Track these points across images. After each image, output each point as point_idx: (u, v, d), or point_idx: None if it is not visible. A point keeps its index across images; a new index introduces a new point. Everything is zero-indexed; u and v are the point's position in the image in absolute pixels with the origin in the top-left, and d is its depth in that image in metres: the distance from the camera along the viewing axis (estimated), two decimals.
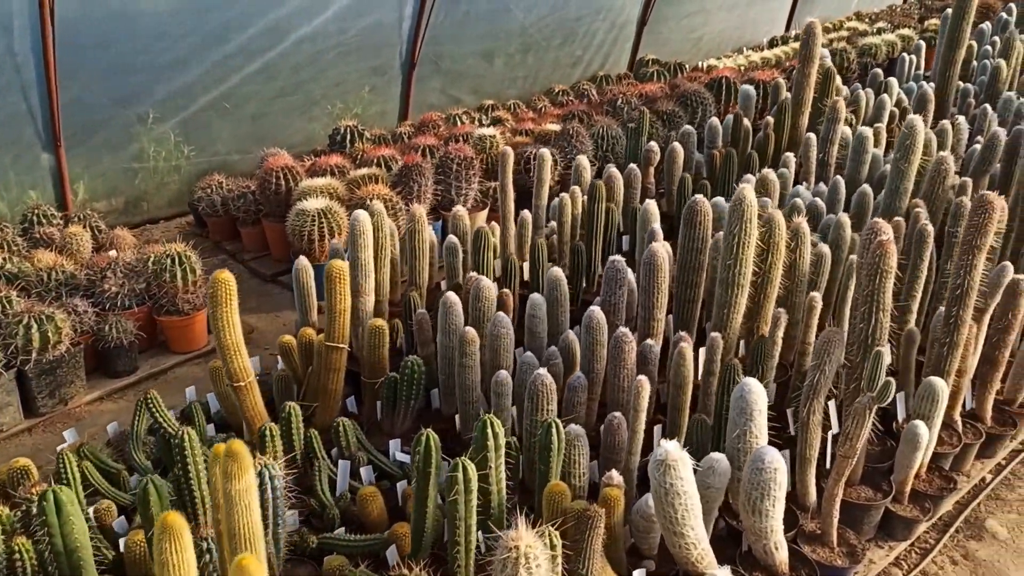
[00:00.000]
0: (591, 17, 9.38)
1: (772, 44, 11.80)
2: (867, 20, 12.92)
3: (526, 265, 4.97)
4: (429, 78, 8.37)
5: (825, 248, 4.28)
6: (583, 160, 5.82)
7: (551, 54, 9.29)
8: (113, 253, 5.49)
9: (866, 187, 4.91)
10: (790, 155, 6.01)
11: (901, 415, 3.97)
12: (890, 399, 3.05)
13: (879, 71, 7.35)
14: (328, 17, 7.05)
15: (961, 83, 7.81)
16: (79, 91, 6.00)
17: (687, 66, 10.51)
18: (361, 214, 4.14)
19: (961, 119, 6.51)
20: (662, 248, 3.91)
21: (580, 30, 9.39)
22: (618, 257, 3.90)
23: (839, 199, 5.17)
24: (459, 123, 7.78)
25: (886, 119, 6.62)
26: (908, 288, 4.33)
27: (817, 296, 3.92)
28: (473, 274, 4.26)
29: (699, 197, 3.97)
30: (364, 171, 6.12)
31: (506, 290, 4.38)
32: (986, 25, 9.91)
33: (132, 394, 4.75)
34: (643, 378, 3.23)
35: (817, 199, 5.08)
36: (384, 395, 3.83)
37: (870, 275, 3.30)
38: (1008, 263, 3.99)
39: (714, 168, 6.04)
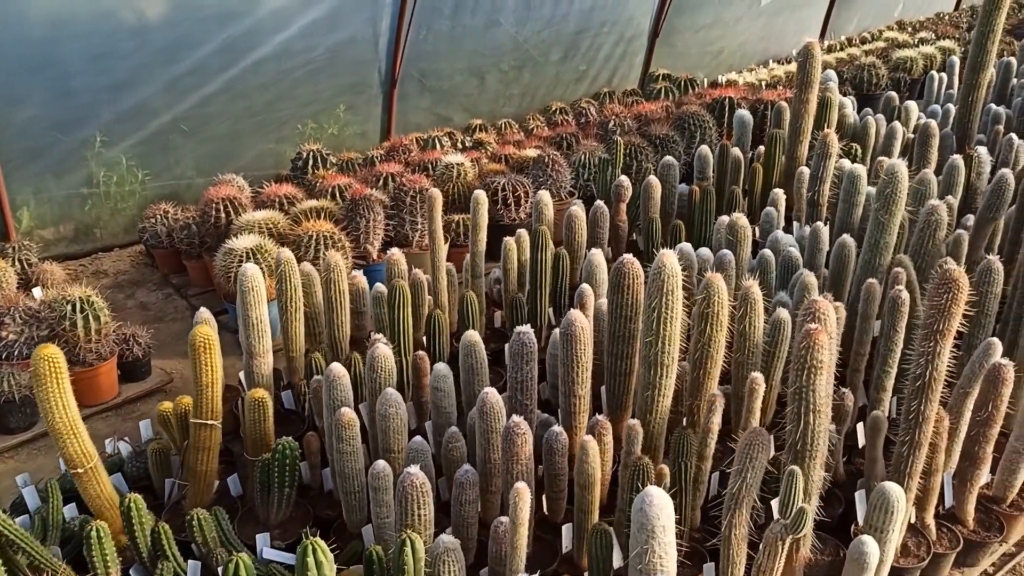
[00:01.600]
0: (594, 30, 8.90)
1: None
2: (909, 30, 12.17)
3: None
4: (414, 96, 7.99)
5: (784, 314, 3.76)
6: (543, 196, 5.35)
7: (550, 69, 8.84)
8: (38, 292, 5.21)
9: (846, 238, 4.36)
10: (780, 192, 5.47)
11: (861, 517, 3.44)
12: (805, 531, 2.54)
13: (893, 94, 6.73)
14: (292, 34, 6.71)
15: (995, 106, 7.15)
16: (16, 116, 5.77)
17: (704, 81, 9.97)
18: (249, 268, 3.76)
19: (982, 151, 5.88)
20: (580, 315, 3.44)
21: (582, 44, 8.92)
22: (525, 329, 3.44)
23: (820, 249, 4.62)
24: (438, 146, 7.38)
25: (897, 150, 6.02)
26: (881, 363, 3.80)
27: (759, 377, 3.40)
28: (378, 336, 3.84)
29: (627, 257, 3.49)
30: (312, 203, 5.76)
31: (421, 353, 3.95)
32: None
33: (27, 452, 4.45)
34: (521, 486, 2.77)
35: (792, 249, 4.55)
36: (258, 480, 3.43)
37: (798, 369, 2.79)
38: (995, 340, 3.43)
39: (693, 206, 5.53)
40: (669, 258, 3.18)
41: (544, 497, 3.47)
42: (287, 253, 4.11)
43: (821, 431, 2.85)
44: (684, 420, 3.53)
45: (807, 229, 4.90)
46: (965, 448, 3.46)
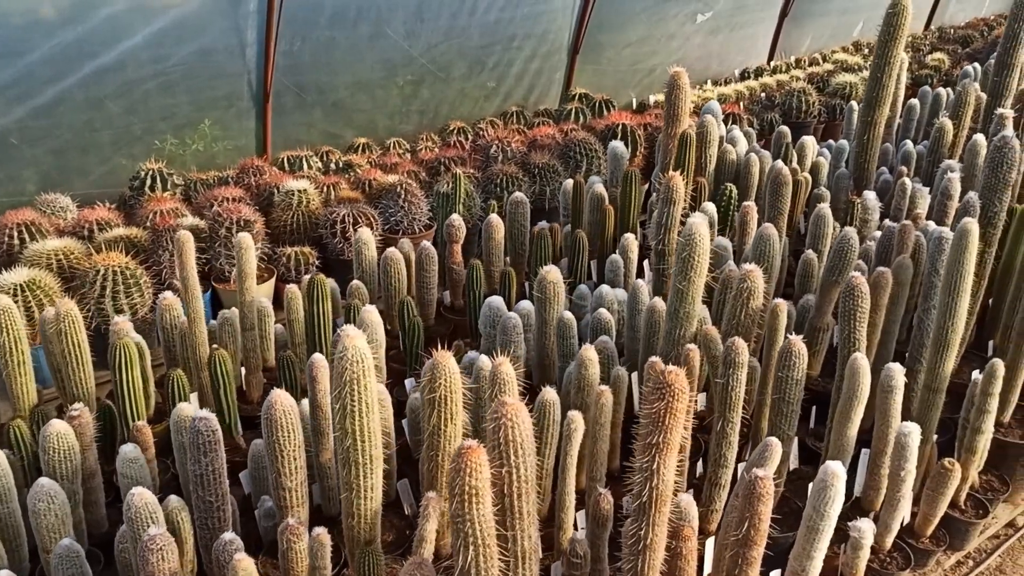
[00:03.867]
0: (501, 45, 8.44)
1: (744, 76, 10.71)
2: (865, 51, 11.69)
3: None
4: (294, 111, 7.54)
5: (551, 395, 3.29)
6: (364, 234, 4.90)
7: (454, 86, 8.38)
8: None
9: (656, 302, 3.88)
10: (631, 237, 4.99)
11: None
12: None
13: (785, 129, 6.23)
14: (137, 44, 6.26)
15: (911, 143, 6.68)
16: None
17: (633, 102, 9.54)
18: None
19: (869, 197, 5.41)
20: (284, 397, 2.96)
21: (488, 59, 8.46)
22: (204, 414, 2.96)
23: (639, 311, 4.14)
24: (305, 166, 6.92)
25: (788, 194, 5.50)
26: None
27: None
28: (77, 406, 3.37)
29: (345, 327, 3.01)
30: (121, 231, 5.30)
31: (140, 424, 3.48)
32: (974, 67, 8.71)
33: None
34: None
35: (602, 312, 4.07)
36: None
37: (454, 494, 2.32)
38: (772, 440, 2.97)
39: (529, 251, 5.06)
40: (352, 339, 2.70)
41: None
42: (3, 299, 3.65)
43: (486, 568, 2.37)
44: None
45: (639, 283, 4.42)
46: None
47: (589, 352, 3.48)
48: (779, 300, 3.73)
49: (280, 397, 2.96)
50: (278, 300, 5.47)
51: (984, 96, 6.53)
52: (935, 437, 3.86)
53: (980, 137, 5.85)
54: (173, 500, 3.02)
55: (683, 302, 3.62)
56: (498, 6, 8.06)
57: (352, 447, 2.81)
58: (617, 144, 5.81)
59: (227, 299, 5.27)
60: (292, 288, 4.23)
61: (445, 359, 2.91)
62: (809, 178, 6.02)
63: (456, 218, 4.97)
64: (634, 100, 9.76)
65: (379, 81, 7.88)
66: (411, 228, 5.89)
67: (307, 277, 4.11)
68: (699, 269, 3.56)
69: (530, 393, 3.92)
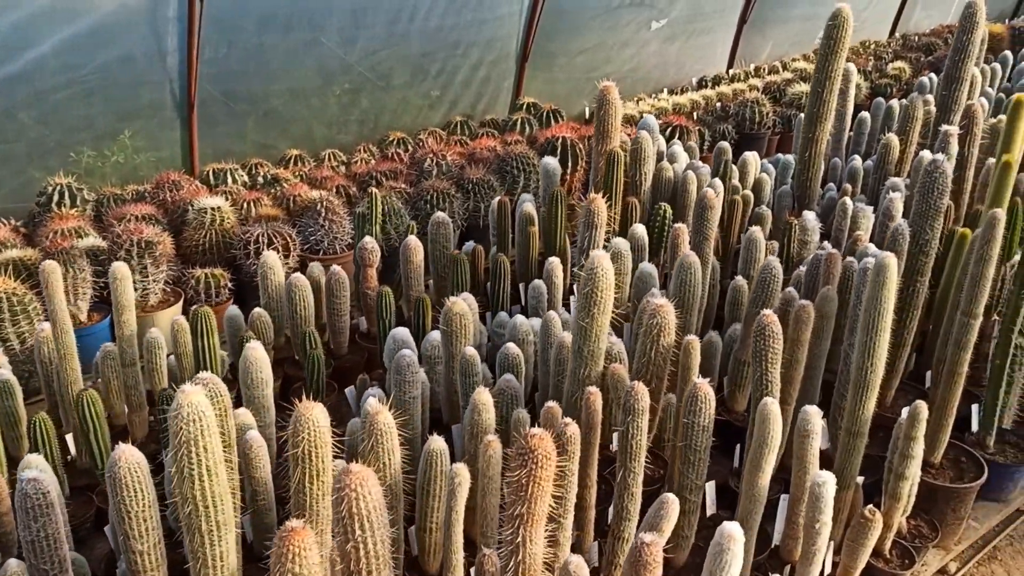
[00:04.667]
0: (444, 53, 8.19)
1: (702, 85, 10.52)
2: None
3: None
4: (224, 121, 7.25)
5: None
6: (269, 258, 4.63)
7: (395, 94, 8.12)
8: None
9: (565, 338, 3.64)
10: (555, 261, 4.75)
11: None
12: None
13: (725, 145, 6.01)
14: (44, 52, 5.96)
15: (859, 159, 6.50)
16: None
17: (587, 111, 9.32)
18: None
19: (808, 217, 5.21)
20: (129, 451, 2.69)
21: (431, 67, 8.20)
22: (35, 475, 2.68)
23: (551, 344, 3.89)
24: (230, 180, 6.64)
25: (715, 218, 5.28)
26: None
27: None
28: None
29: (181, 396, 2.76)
30: (14, 253, 5.00)
31: None
32: (930, 77, 8.55)
33: None
34: None
35: (510, 346, 3.83)
36: None
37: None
38: (670, 496, 2.73)
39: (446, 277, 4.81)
40: (188, 396, 2.43)
41: None
42: None
43: None
44: None
45: (551, 315, 4.18)
46: None
47: (482, 396, 3.23)
48: (691, 337, 3.50)
49: (124, 453, 2.67)
50: None
51: (934, 110, 6.37)
52: (860, 480, 3.66)
53: (926, 154, 5.67)
54: (12, 565, 2.75)
55: (586, 340, 3.39)
56: (439, 12, 7.81)
57: (194, 514, 2.54)
58: (549, 160, 5.56)
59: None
60: (180, 320, 3.95)
61: (309, 411, 2.66)
62: (751, 196, 5.82)
63: (369, 241, 4.72)
64: (587, 109, 9.54)
65: (315, 90, 7.60)
66: (332, 248, 5.63)
67: (193, 308, 3.84)
68: (602, 305, 3.33)
69: (444, 432, 3.70)
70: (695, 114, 8.88)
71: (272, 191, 6.40)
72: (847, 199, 5.38)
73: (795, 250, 5.16)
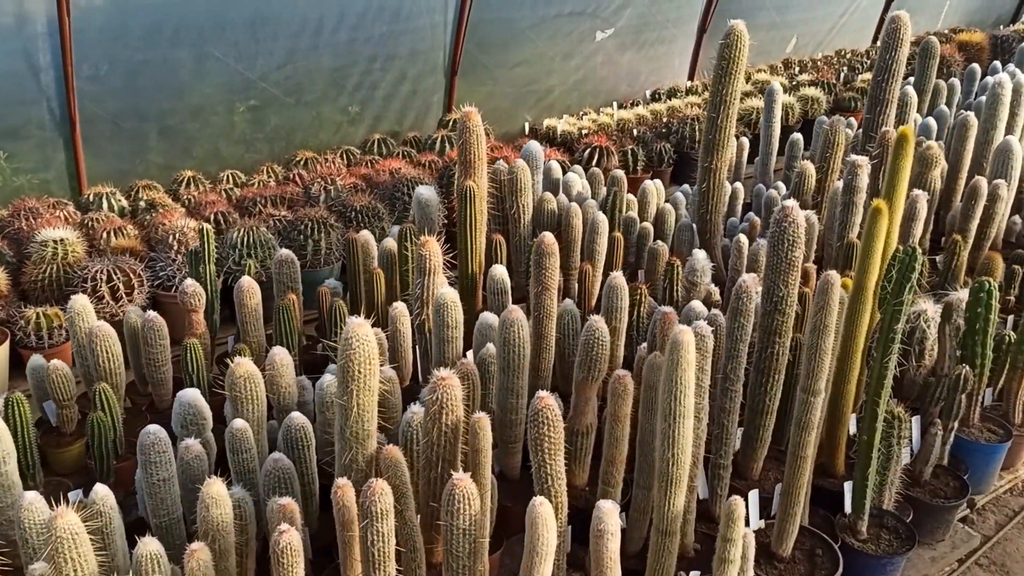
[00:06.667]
0: (361, 66, 7.78)
1: (655, 98, 10.06)
2: (796, 69, 11.05)
3: None
4: (116, 140, 6.88)
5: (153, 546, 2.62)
6: (77, 302, 4.23)
7: (307, 111, 7.72)
8: None
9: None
10: (400, 307, 4.32)
11: None
12: None
13: (618, 174, 5.52)
14: None
15: (775, 189, 6.05)
16: None
17: (526, 126, 8.91)
18: None
19: (699, 257, 4.75)
20: None
21: (347, 82, 7.80)
22: None
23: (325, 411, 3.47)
24: (104, 206, 6.27)
25: (554, 264, 4.56)
26: None
27: None
28: None
29: None
30: None
31: None
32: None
33: None
34: None
35: (295, 416, 3.40)
36: None
37: None
38: None
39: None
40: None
41: None
42: None
43: None
44: None
45: (327, 378, 3.74)
46: None
47: (212, 488, 2.80)
48: (479, 415, 3.05)
49: None
50: (19, 368, 4.83)
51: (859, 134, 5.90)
52: None
53: (840, 185, 5.22)
54: None
55: (347, 420, 2.96)
56: (348, 25, 7.41)
57: None
58: (423, 190, 5.12)
59: None
60: None
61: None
62: (650, 229, 5.39)
63: (190, 284, 4.30)
64: (527, 125, 9.11)
65: (217, 107, 7.22)
66: None
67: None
68: (362, 380, 2.89)
69: None
70: (635, 131, 8.41)
71: (147, 219, 6.02)
72: (741, 236, 4.92)
73: (680, 294, 4.70)
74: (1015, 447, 4.44)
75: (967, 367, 4.01)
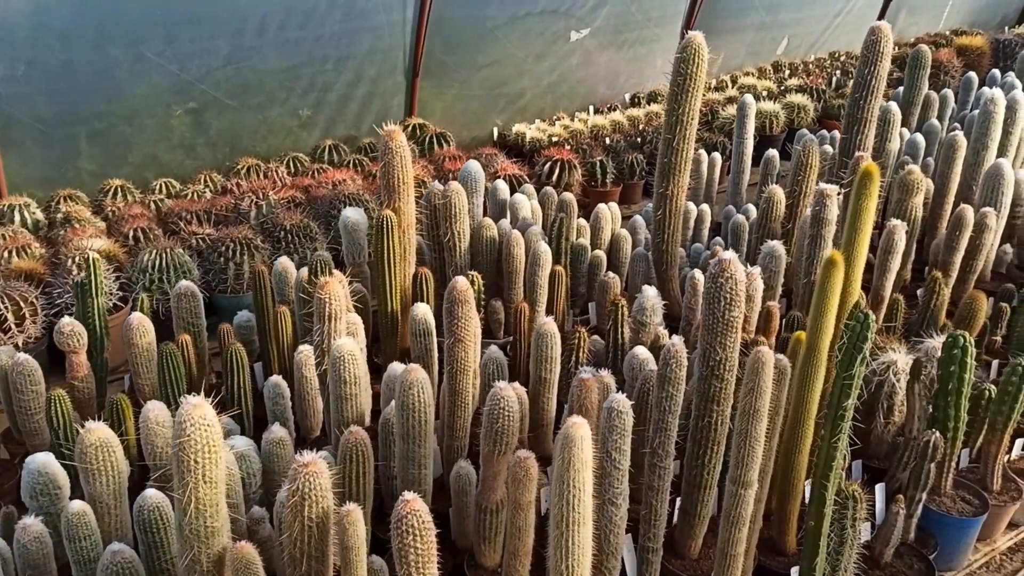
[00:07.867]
0: (313, 68, 7.33)
1: (634, 102, 9.59)
2: (786, 72, 10.58)
3: None
4: (40, 146, 6.44)
5: None
6: None
7: (251, 115, 7.27)
8: None
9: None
10: (307, 351, 3.89)
11: None
12: None
13: (568, 196, 5.06)
14: None
15: (744, 213, 5.62)
16: None
17: (496, 132, 8.47)
18: None
19: (650, 294, 4.30)
20: None
21: (296, 85, 7.35)
22: None
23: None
24: (15, 218, 5.83)
25: (469, 313, 4.10)
26: None
27: None
28: None
29: None
30: None
31: None
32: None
33: None
34: None
35: (150, 492, 2.97)
36: None
37: None
38: None
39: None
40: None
41: None
42: None
43: None
44: None
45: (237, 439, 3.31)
46: None
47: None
48: (350, 507, 2.60)
49: None
50: None
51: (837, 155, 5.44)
52: None
53: (810, 213, 4.77)
54: None
55: (186, 516, 2.51)
56: (295, 23, 6.95)
57: None
58: (350, 213, 4.67)
59: None
60: None
61: None
62: (602, 257, 4.94)
63: (67, 323, 3.86)
64: (495, 131, 8.65)
65: (151, 110, 6.76)
66: None
67: None
68: (200, 472, 2.45)
69: None
70: (608, 140, 7.96)
71: (60, 235, 5.58)
72: (697, 272, 4.47)
73: (626, 336, 4.25)
74: (993, 517, 3.99)
75: (937, 433, 3.56)
